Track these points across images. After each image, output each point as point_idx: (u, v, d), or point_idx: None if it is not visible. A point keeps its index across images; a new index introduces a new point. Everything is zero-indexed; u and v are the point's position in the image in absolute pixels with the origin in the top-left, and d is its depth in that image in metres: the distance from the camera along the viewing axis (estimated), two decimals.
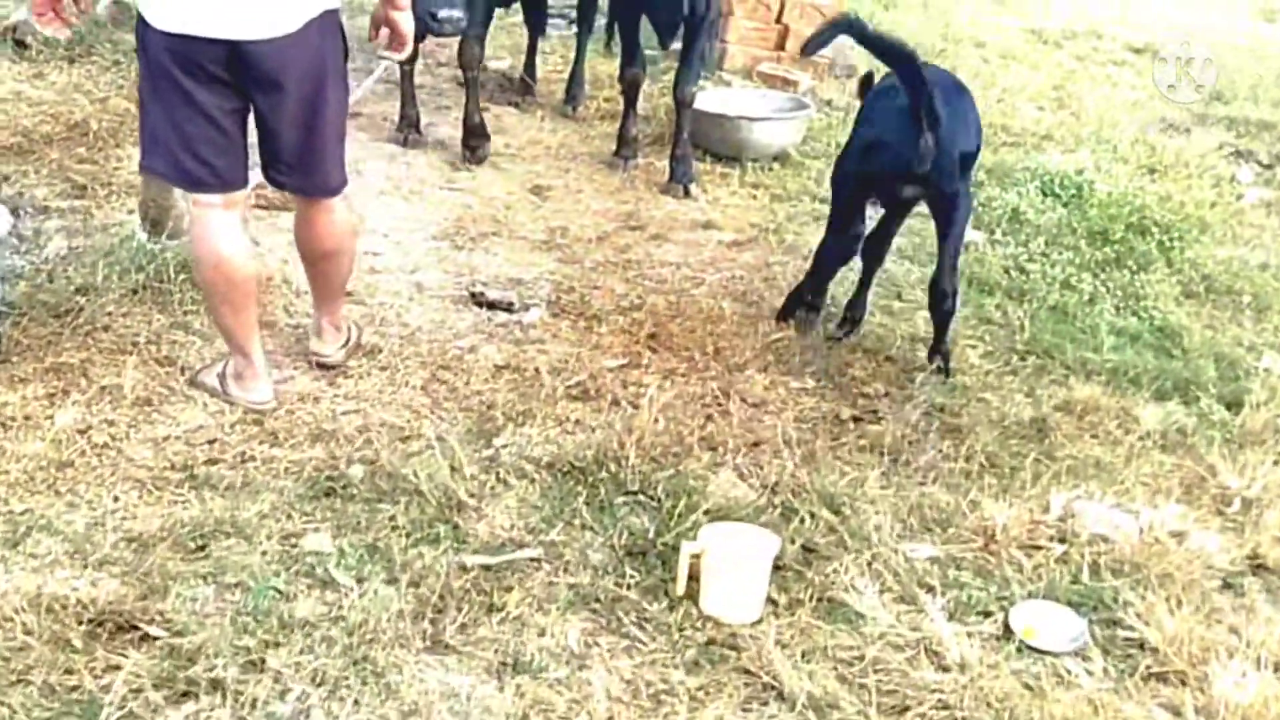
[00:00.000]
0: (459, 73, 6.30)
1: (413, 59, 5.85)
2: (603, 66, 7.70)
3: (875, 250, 4.28)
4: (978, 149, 3.97)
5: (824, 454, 3.45)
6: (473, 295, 4.32)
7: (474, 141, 5.94)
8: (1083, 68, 9.99)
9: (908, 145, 3.53)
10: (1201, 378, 4.21)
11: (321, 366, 3.62)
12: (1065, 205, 5.88)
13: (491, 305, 4.28)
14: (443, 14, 5.03)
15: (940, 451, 3.56)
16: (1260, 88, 9.69)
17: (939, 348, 4.06)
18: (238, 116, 3.24)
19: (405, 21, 3.46)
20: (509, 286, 4.54)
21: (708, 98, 6.57)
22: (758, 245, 5.24)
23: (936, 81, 3.63)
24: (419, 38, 4.23)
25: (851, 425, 3.69)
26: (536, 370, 3.79)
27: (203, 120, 3.14)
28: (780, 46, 8.01)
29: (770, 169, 6.21)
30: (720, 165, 6.26)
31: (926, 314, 4.56)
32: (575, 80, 7.07)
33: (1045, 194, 6.05)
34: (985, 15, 11.57)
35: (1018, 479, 3.40)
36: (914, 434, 3.66)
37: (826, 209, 5.60)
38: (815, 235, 5.22)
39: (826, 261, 4.21)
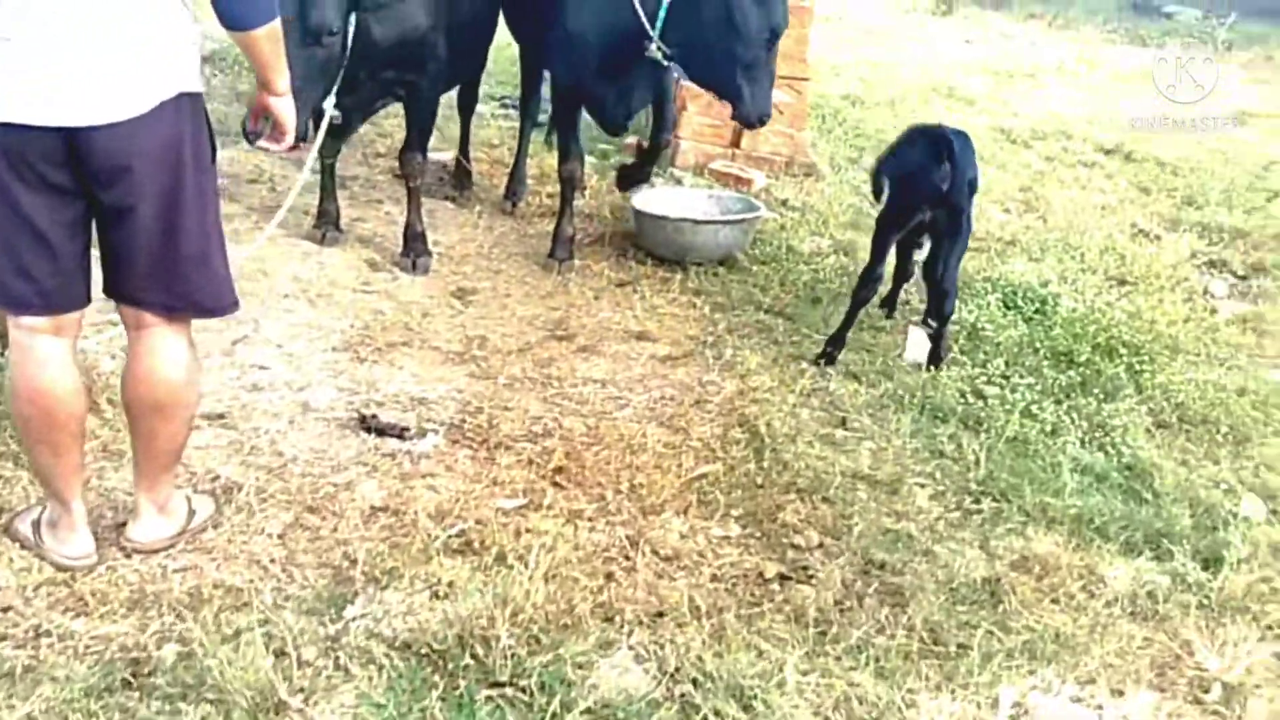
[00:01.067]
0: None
1: (332, 150, 5.45)
2: (550, 160, 7.36)
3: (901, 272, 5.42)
4: (976, 178, 4.89)
5: (738, 628, 2.95)
6: (362, 419, 3.85)
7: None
8: (1051, 169, 9.73)
9: (934, 173, 4.61)
10: (1175, 528, 3.76)
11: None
12: (1028, 321, 5.49)
13: (382, 431, 3.80)
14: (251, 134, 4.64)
15: (877, 622, 3.08)
16: (1233, 192, 9.45)
17: (937, 349, 4.93)
18: (76, 228, 2.74)
19: (284, 108, 3.04)
20: (409, 407, 4.08)
21: (650, 197, 6.21)
22: (693, 361, 4.80)
23: (945, 129, 4.84)
24: (301, 136, 3.80)
25: (777, 586, 3.21)
26: (416, 515, 3.29)
27: (29, 232, 2.66)
28: (735, 144, 7.69)
29: (715, 274, 5.81)
30: (662, 269, 5.86)
31: (872, 446, 4.15)
32: (516, 174, 6.71)
33: (1007, 307, 5.66)
34: (954, 114, 11.37)
35: (964, 663, 2.91)
36: (848, 598, 3.18)
37: (770, 319, 5.26)
38: (756, 351, 4.83)
39: (856, 303, 4.95)
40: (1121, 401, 4.68)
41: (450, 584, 2.92)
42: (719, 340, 5.01)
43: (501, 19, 6.18)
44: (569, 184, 5.74)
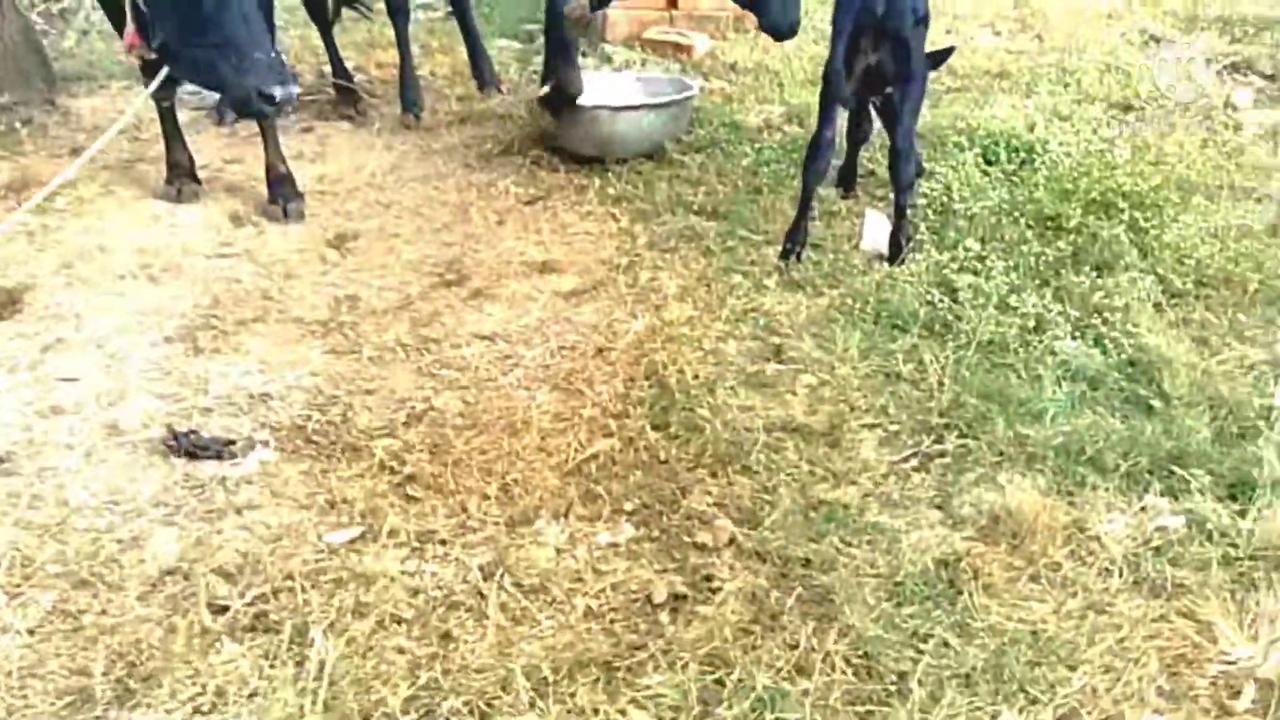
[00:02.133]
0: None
1: (166, 93, 4.63)
2: (459, 56, 6.47)
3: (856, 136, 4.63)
4: (923, 5, 3.98)
5: (603, 699, 2.25)
6: (174, 439, 3.15)
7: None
8: None
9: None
10: (1191, 445, 2.98)
11: None
12: (1010, 179, 4.60)
13: (195, 453, 3.11)
14: (280, 94, 3.87)
15: (793, 651, 2.37)
16: None
17: (898, 232, 4.09)
18: None
19: None
20: (245, 409, 3.37)
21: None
22: (603, 292, 4.02)
23: None
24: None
25: (666, 617, 2.50)
26: (208, 578, 2.61)
27: None
28: (672, 4, 6.69)
29: (639, 172, 4.96)
30: (579, 175, 5.02)
31: (810, 380, 3.38)
32: (406, 81, 5.83)
33: (988, 162, 4.78)
34: None
35: (903, 706, 2.20)
36: (759, 618, 2.47)
37: (700, 223, 4.44)
38: (679, 269, 4.04)
39: (807, 180, 4.16)
40: (1122, 273, 3.84)
41: (220, 693, 2.24)
42: (636, 261, 4.21)
43: None
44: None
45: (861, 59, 3.93)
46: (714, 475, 2.97)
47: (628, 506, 2.88)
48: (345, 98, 5.88)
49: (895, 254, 4.04)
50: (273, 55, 3.90)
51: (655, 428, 3.19)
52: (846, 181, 4.69)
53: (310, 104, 6.05)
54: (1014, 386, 3.27)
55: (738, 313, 3.82)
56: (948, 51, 4.22)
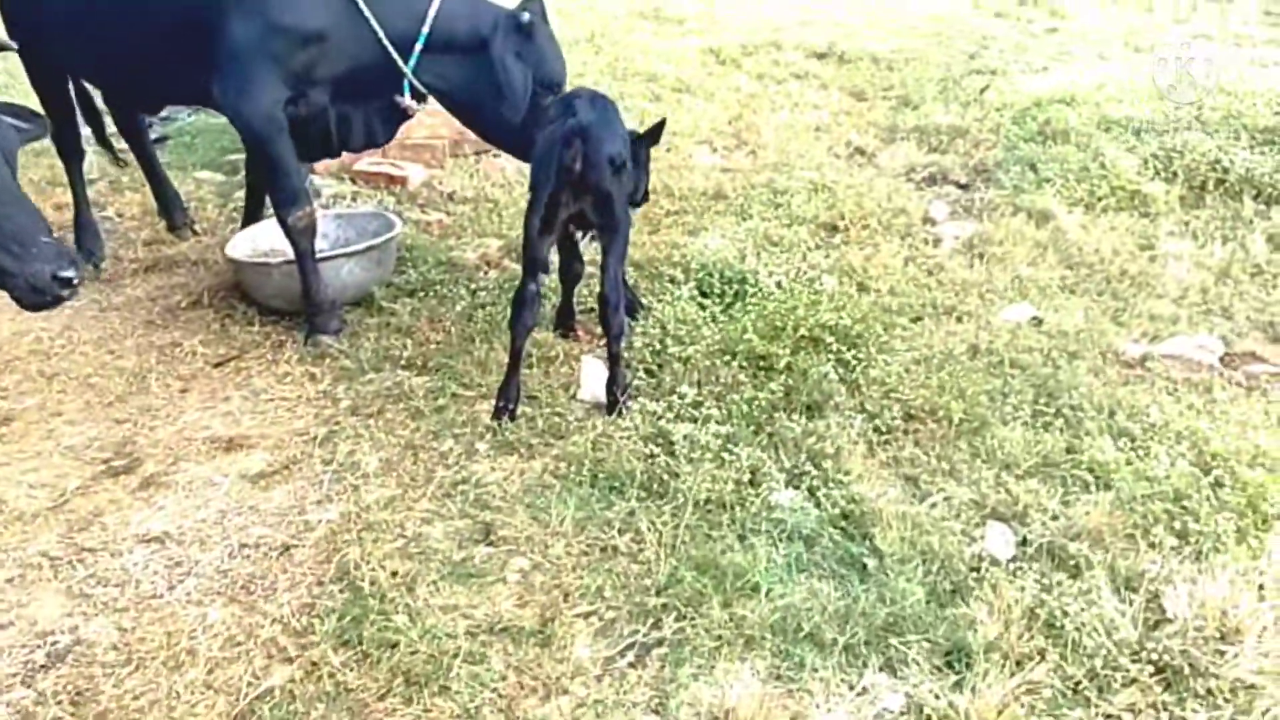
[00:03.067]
0: None
1: None
2: (138, 200, 5.96)
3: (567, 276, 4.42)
4: (621, 155, 3.82)
5: None
6: None
7: None
8: (763, 89, 8.88)
9: (563, 153, 3.68)
10: (906, 610, 2.90)
11: None
12: (726, 312, 4.55)
13: None
14: (75, 274, 3.28)
15: None
16: (949, 82, 8.85)
17: (613, 382, 3.93)
18: None
19: None
20: None
21: (254, 235, 4.94)
22: (296, 472, 3.65)
23: (583, 96, 3.89)
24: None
25: None
26: None
27: None
28: None
29: (344, 322, 4.62)
30: (278, 328, 4.63)
31: (523, 564, 3.12)
32: (82, 227, 5.29)
33: (704, 295, 4.73)
34: (663, 39, 10.42)
35: None
36: None
37: (410, 380, 4.14)
38: (382, 438, 3.72)
39: (514, 334, 3.91)
40: (832, 413, 3.81)
41: None
42: (336, 431, 3.86)
43: None
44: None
45: (563, 210, 3.78)
46: (408, 702, 2.64)
47: None
48: None
49: (612, 404, 3.87)
50: (54, 237, 3.38)
51: (344, 644, 2.83)
52: (564, 323, 4.52)
53: None
54: (731, 553, 3.12)
55: (446, 486, 3.53)
56: (659, 126, 4.18)
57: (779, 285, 4.73)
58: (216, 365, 4.36)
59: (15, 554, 3.25)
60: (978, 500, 3.41)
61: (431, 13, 4.25)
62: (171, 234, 5.61)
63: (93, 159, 6.65)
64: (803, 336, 4.17)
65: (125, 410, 4.07)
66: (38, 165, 6.41)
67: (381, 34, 4.20)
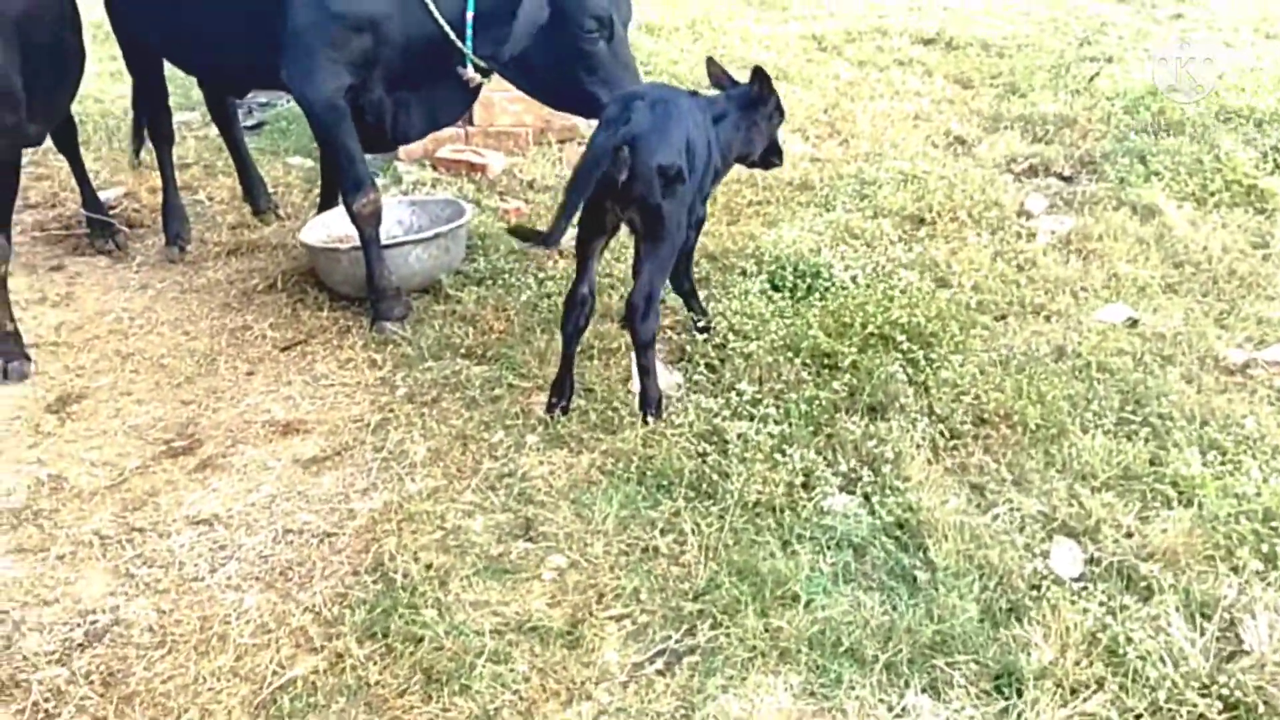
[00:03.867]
0: None
1: None
2: (226, 183, 6.07)
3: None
4: (675, 166, 3.56)
5: None
6: None
7: (2, 353, 4.26)
8: (863, 76, 8.61)
9: (611, 161, 3.47)
10: (956, 628, 2.73)
11: None
12: (795, 306, 4.39)
13: None
14: None
15: None
16: (1061, 69, 8.46)
17: (644, 393, 3.71)
18: None
19: None
20: None
21: (327, 221, 4.97)
22: (347, 459, 3.64)
23: (645, 96, 3.62)
24: None
25: None
26: None
27: None
28: (468, 120, 6.42)
29: (410, 307, 4.61)
30: (346, 314, 4.65)
31: (560, 562, 3.05)
32: (169, 211, 5.40)
33: (775, 288, 4.57)
34: (763, 25, 10.23)
35: None
36: None
37: (468, 368, 4.10)
38: (434, 426, 3.69)
39: (566, 335, 3.77)
40: (895, 416, 3.62)
41: None
42: (389, 419, 3.84)
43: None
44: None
45: (610, 217, 3.65)
46: (427, 700, 2.59)
47: None
48: (101, 230, 5.40)
49: (645, 414, 3.72)
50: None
51: (370, 637, 2.79)
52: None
53: (65, 239, 5.56)
54: (773, 560, 2.98)
55: (491, 479, 3.47)
56: (760, 80, 4.00)
57: (853, 280, 4.54)
58: (284, 349, 4.40)
59: (70, 531, 3.31)
60: (1046, 513, 3.20)
61: None
62: (256, 218, 5.69)
63: (191, 144, 6.84)
64: (871, 334, 3.99)
65: (192, 391, 4.12)
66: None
67: (435, 11, 4.11)
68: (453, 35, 4.15)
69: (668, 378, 4.02)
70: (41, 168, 6.36)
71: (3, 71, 3.90)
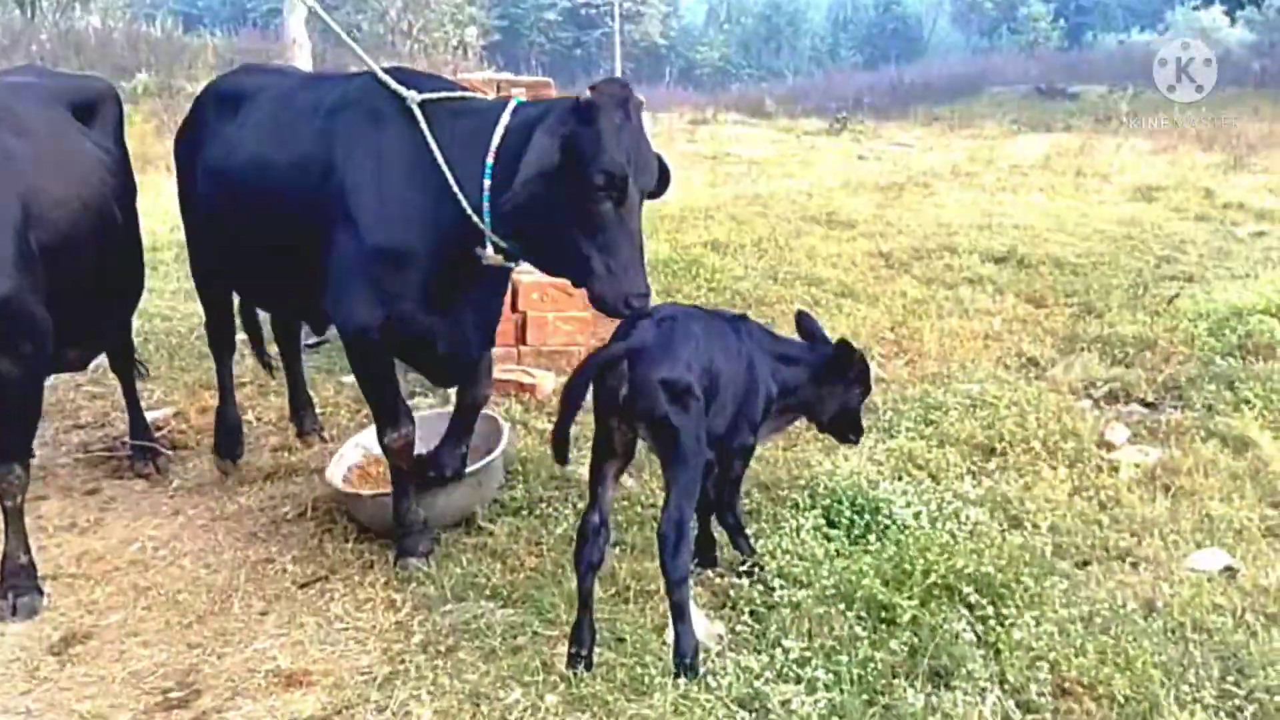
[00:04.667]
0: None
1: None
2: (270, 402, 6.00)
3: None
4: (684, 381, 3.37)
5: None
6: None
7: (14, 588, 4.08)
8: (931, 295, 8.45)
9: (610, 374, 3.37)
10: None
11: None
12: (853, 545, 4.03)
13: None
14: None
15: None
16: (1139, 289, 8.22)
17: (679, 640, 3.36)
18: None
19: None
20: None
21: (355, 442, 4.81)
22: (349, 717, 3.30)
23: (654, 314, 3.51)
24: None
25: None
26: None
27: None
28: (520, 340, 6.35)
29: (438, 541, 4.35)
30: (373, 548, 4.41)
31: None
32: (226, 422, 5.28)
33: (831, 525, 4.23)
34: (831, 242, 10.23)
35: None
36: None
37: (492, 611, 3.79)
38: (445, 682, 3.36)
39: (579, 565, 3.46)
40: (960, 684, 3.19)
41: None
42: (399, 672, 3.52)
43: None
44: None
45: (619, 437, 3.44)
46: None
47: None
48: (142, 454, 5.32)
49: (678, 669, 3.35)
50: None
51: None
52: (702, 555, 4.06)
53: (107, 460, 5.48)
54: None
55: None
56: (844, 352, 3.91)
57: (916, 517, 4.18)
58: (302, 586, 4.15)
59: None
60: None
61: (494, 143, 3.72)
62: (299, 440, 5.57)
63: (249, 363, 6.85)
64: (934, 583, 3.60)
65: (201, 633, 3.87)
66: (197, 367, 6.61)
67: (455, 186, 3.79)
68: (469, 210, 3.78)
69: (708, 627, 3.66)
70: (98, 386, 6.39)
71: (16, 293, 3.82)
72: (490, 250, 3.86)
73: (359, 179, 3.92)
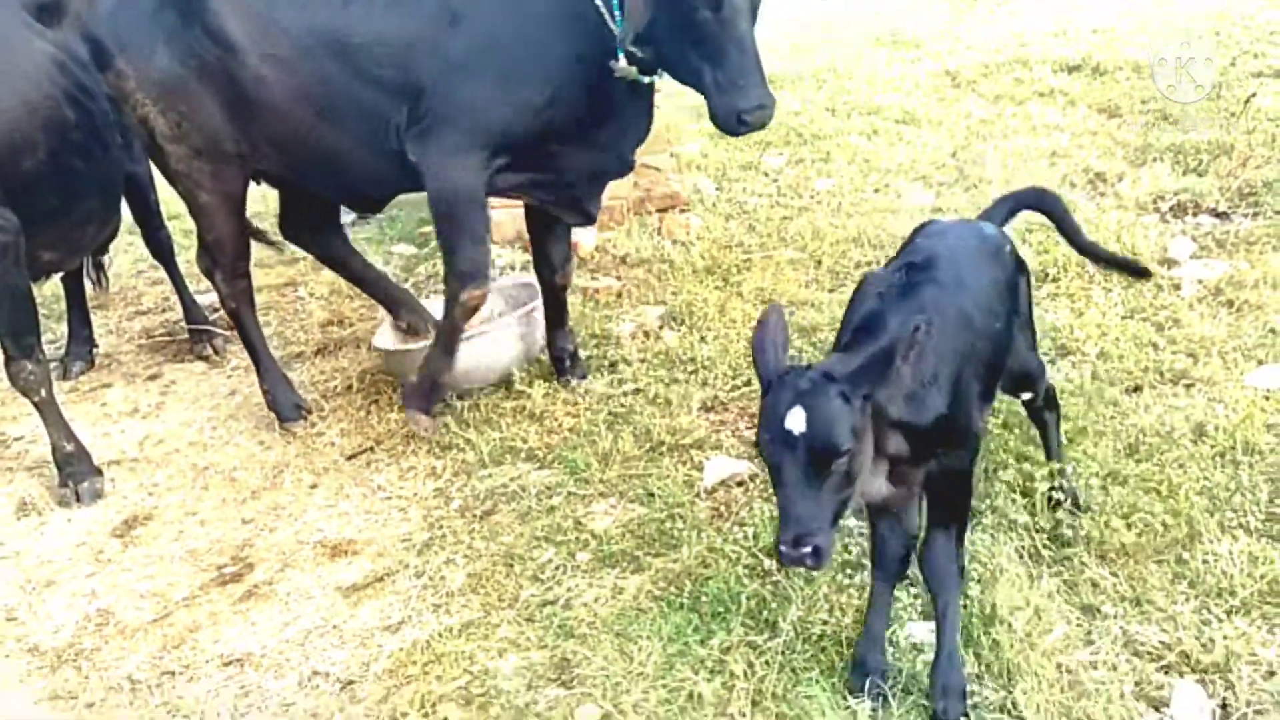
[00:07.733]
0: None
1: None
2: (326, 279, 6.03)
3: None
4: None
5: None
6: None
7: (72, 475, 4.24)
8: (998, 112, 8.04)
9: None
10: None
11: None
12: None
13: None
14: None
15: None
16: (1221, 87, 7.66)
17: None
18: None
19: None
20: None
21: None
22: (389, 585, 3.43)
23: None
24: None
25: None
26: None
27: None
28: None
29: (479, 407, 4.39)
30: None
31: None
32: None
33: None
34: (897, 65, 9.76)
35: None
36: None
37: (528, 474, 3.83)
38: (484, 542, 3.44)
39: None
40: (991, 529, 3.13)
41: None
42: (437, 538, 3.61)
43: None
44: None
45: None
46: None
47: None
48: (200, 336, 5.44)
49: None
50: None
51: None
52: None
53: (169, 344, 5.63)
54: (828, 715, 2.56)
55: (532, 608, 3.18)
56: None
57: None
58: (350, 458, 4.25)
59: (106, 674, 3.20)
60: (1167, 643, 2.67)
61: None
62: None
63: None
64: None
65: (255, 508, 4.01)
66: None
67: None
68: (607, 17, 3.63)
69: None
70: (159, 270, 6.50)
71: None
72: (623, 61, 3.69)
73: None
